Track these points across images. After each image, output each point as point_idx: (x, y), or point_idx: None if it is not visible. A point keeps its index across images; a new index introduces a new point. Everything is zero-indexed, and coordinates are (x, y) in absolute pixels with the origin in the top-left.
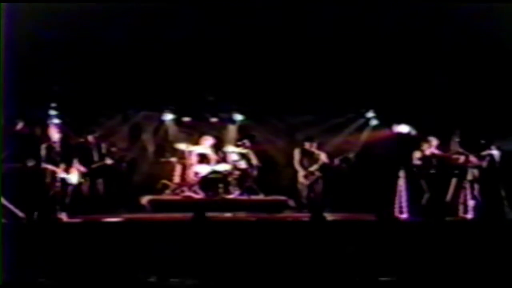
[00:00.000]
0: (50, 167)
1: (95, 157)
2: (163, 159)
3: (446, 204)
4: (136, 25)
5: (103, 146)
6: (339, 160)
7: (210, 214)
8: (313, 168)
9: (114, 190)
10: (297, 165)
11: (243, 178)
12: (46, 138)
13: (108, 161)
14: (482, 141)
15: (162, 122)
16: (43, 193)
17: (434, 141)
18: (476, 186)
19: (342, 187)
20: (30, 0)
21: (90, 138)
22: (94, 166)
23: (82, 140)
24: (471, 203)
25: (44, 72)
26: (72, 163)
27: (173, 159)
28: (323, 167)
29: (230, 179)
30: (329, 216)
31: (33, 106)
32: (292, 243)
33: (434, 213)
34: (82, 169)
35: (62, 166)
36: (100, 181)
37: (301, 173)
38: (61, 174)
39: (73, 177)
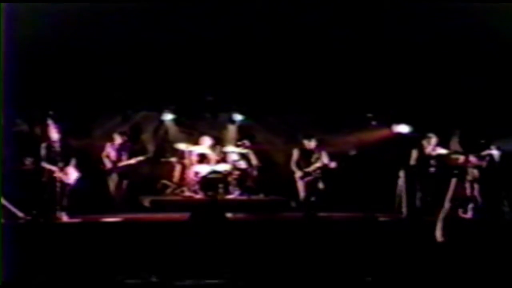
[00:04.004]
0: (49, 166)
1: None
2: (163, 159)
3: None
4: (136, 25)
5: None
6: (336, 162)
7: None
8: (310, 169)
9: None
10: (293, 166)
11: (243, 178)
12: (46, 138)
13: (132, 161)
14: (482, 141)
15: (162, 122)
16: (43, 193)
17: (434, 139)
18: (476, 186)
19: (339, 188)
20: (30, 0)
21: (118, 138)
22: (120, 165)
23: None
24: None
25: (44, 72)
26: (70, 163)
27: (173, 159)
28: (322, 168)
29: (230, 179)
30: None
31: (33, 106)
32: (292, 243)
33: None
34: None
35: (61, 166)
36: (125, 181)
37: (297, 174)
38: (59, 174)
39: (71, 177)
